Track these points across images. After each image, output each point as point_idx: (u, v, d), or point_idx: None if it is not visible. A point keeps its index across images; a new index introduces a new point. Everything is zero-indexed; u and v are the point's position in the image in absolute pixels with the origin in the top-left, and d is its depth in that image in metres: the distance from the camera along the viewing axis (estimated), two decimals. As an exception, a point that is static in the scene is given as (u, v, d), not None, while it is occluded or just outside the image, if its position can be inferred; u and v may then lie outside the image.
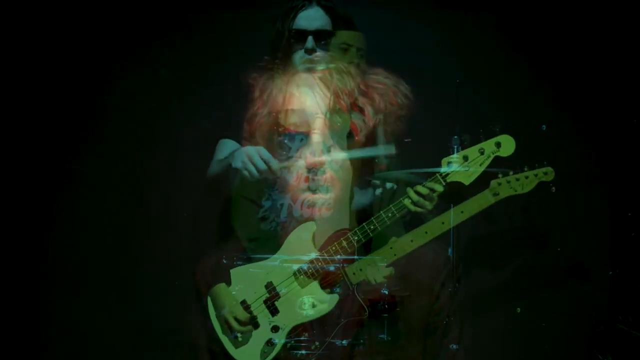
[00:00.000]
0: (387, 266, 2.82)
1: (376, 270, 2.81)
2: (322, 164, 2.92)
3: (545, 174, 2.84)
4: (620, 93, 3.32)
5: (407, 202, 2.79)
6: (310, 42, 2.93)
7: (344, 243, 2.82)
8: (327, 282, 2.84)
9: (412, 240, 2.83)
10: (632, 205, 3.31)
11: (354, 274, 2.84)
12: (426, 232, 2.83)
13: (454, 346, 2.89)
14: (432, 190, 2.78)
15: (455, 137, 2.93)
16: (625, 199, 3.33)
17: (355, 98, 2.96)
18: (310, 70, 2.96)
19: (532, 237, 3.35)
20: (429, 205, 2.80)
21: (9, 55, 3.31)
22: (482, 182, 2.83)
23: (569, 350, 3.33)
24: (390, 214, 2.79)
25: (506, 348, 3.29)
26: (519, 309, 3.25)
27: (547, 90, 3.34)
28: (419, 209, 2.80)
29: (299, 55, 2.96)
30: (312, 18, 2.95)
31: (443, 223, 2.83)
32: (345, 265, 2.83)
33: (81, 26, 3.33)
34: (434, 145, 3.06)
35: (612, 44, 3.29)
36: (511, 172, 2.83)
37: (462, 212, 2.83)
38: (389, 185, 3.00)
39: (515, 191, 2.84)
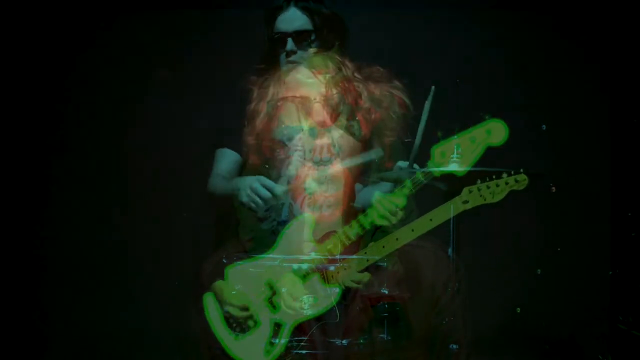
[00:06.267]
0: (361, 271, 2.81)
1: (347, 274, 2.80)
2: (323, 161, 2.92)
3: (517, 181, 2.65)
4: (620, 93, 3.33)
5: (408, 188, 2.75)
6: (289, 43, 2.96)
7: (342, 237, 2.80)
8: (327, 277, 2.83)
9: (384, 247, 2.79)
10: (632, 205, 3.32)
11: (332, 276, 2.82)
12: (397, 239, 2.78)
13: (454, 346, 2.88)
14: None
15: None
16: (625, 199, 3.34)
17: (358, 93, 2.95)
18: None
19: (532, 238, 3.35)
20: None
21: (9, 55, 3.31)
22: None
23: (569, 350, 3.33)
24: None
25: (506, 348, 3.28)
26: (518, 309, 3.25)
27: (547, 90, 3.34)
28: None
29: (282, 57, 2.99)
30: (289, 20, 2.98)
31: (413, 230, 2.76)
32: (326, 267, 2.82)
33: (81, 26, 3.34)
34: (433, 145, 3.06)
35: (613, 44, 3.30)
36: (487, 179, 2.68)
37: (430, 219, 2.73)
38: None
39: (485, 200, 2.68)
